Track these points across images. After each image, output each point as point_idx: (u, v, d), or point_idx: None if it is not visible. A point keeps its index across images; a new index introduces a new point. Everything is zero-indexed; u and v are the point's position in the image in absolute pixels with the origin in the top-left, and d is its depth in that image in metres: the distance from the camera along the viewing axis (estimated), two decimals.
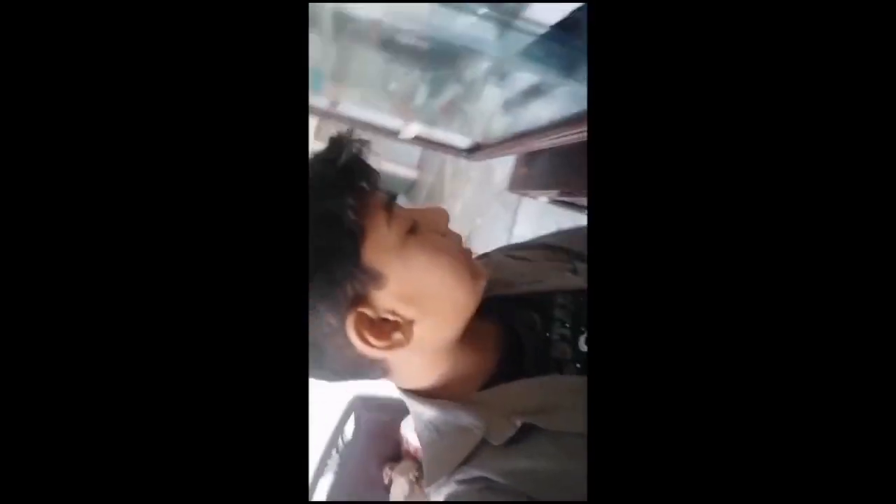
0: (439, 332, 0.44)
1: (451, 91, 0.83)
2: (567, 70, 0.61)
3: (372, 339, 0.41)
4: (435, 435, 0.44)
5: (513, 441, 0.39)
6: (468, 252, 0.45)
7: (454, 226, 0.46)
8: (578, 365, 0.45)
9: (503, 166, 1.81)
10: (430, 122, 1.03)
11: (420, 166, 3.33)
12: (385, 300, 0.41)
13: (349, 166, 0.41)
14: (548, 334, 0.47)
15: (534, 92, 0.72)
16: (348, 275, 0.40)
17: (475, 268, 0.45)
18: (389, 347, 0.42)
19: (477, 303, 0.44)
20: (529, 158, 1.19)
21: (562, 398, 0.41)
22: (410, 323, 0.42)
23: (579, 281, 0.51)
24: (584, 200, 1.10)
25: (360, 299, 0.41)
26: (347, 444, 2.23)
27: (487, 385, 0.45)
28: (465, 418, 0.42)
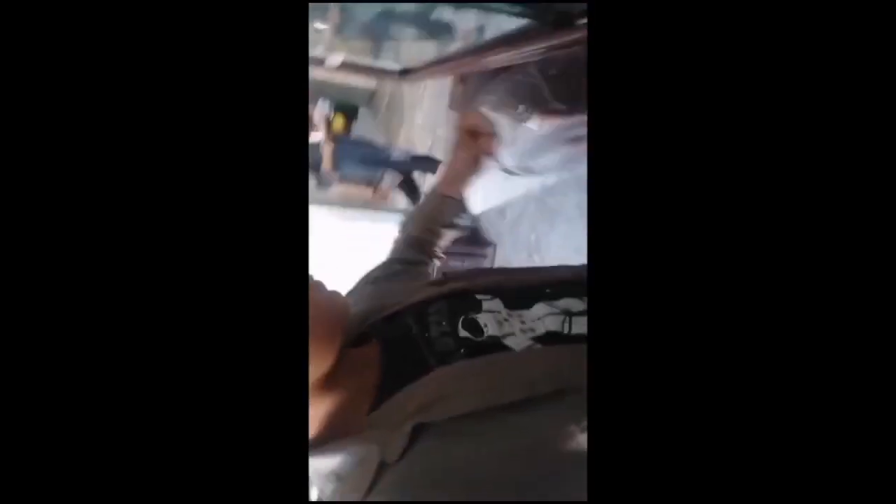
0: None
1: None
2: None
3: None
4: (338, 485, 0.41)
5: (407, 451, 0.38)
6: (325, 321, 0.43)
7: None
8: (463, 350, 0.45)
9: None
10: (358, 51, 1.05)
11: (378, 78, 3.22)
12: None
13: None
14: (427, 335, 0.47)
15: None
16: None
17: (325, 338, 0.43)
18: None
19: (328, 360, 0.44)
20: (465, 77, 1.20)
21: (448, 386, 0.42)
22: None
23: (445, 290, 0.52)
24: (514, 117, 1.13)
25: None
26: None
27: (375, 406, 0.43)
28: (360, 451, 0.40)
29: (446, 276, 0.55)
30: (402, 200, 2.79)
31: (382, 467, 0.40)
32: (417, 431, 0.40)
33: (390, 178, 2.63)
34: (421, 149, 3.08)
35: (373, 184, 2.66)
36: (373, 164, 2.60)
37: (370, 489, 0.39)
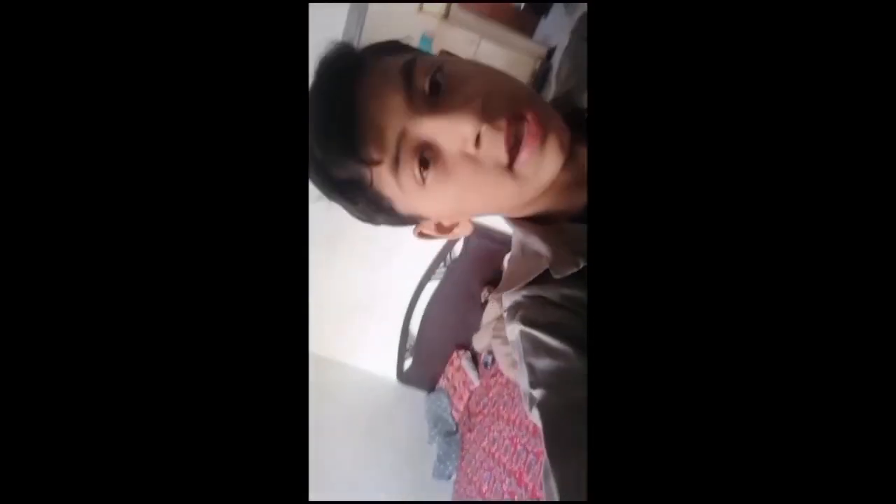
0: (502, 209, 0.46)
1: None
2: None
3: (436, 235, 0.48)
4: (518, 253, 0.48)
5: (573, 277, 0.41)
6: (527, 147, 0.38)
7: None
8: None
9: None
10: None
11: None
12: (434, 221, 0.46)
13: (349, 135, 0.38)
14: None
15: None
16: (394, 218, 0.43)
17: (528, 176, 0.39)
18: (454, 235, 0.48)
19: (541, 190, 0.41)
20: None
21: None
22: (467, 217, 0.47)
23: None
24: None
25: (417, 223, 0.46)
26: (455, 260, 2.56)
27: (578, 217, 0.45)
28: (538, 245, 0.45)
29: None
30: None
31: (545, 278, 0.43)
32: (582, 279, 0.41)
33: None
34: None
35: None
36: None
37: (535, 281, 0.44)
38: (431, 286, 2.59)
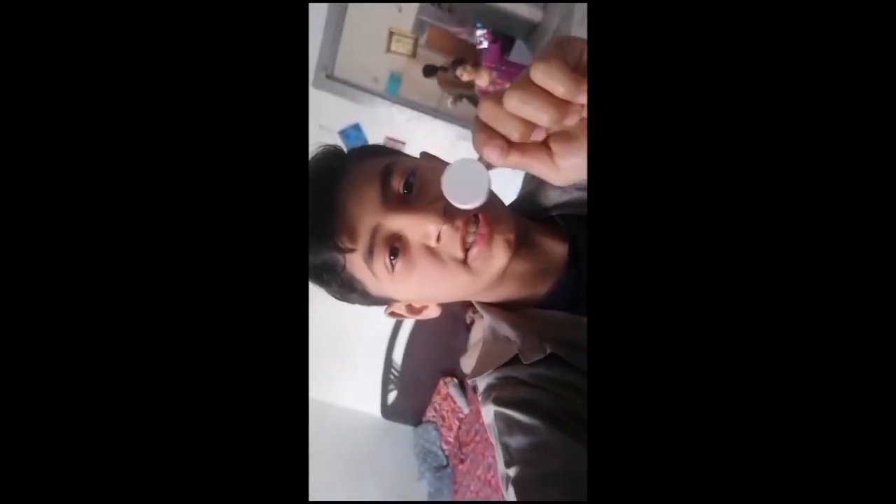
0: (463, 296, 0.50)
1: None
2: None
3: (408, 315, 0.53)
4: (490, 337, 0.50)
5: (540, 361, 0.45)
6: (479, 244, 0.44)
7: None
8: None
9: None
10: None
11: (546, 8, 2.90)
12: (403, 303, 0.51)
13: (326, 225, 0.44)
14: None
15: None
16: (367, 300, 0.49)
17: (478, 269, 0.45)
18: (423, 316, 0.53)
19: (491, 282, 0.46)
20: None
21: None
22: (434, 302, 0.52)
23: None
24: None
25: (388, 304, 0.51)
26: None
27: (545, 304, 0.50)
28: (508, 331, 0.48)
29: None
30: None
31: (515, 361, 0.46)
32: (556, 357, 0.45)
33: None
34: None
35: None
36: None
37: (506, 364, 0.47)
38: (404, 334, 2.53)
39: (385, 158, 0.47)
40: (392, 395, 2.66)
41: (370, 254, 0.44)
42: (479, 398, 0.49)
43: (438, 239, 0.43)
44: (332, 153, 0.49)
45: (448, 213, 0.43)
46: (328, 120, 2.07)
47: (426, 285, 0.46)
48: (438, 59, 3.20)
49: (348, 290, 0.47)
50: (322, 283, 0.47)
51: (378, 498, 2.34)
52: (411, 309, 0.52)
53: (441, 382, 2.60)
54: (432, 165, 0.48)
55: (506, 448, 0.42)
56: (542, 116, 0.29)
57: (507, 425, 0.43)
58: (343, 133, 2.09)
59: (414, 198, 0.44)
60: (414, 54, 3.20)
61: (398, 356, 2.58)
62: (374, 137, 2.13)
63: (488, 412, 0.46)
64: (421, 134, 2.17)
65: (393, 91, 2.94)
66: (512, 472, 0.40)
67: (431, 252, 0.44)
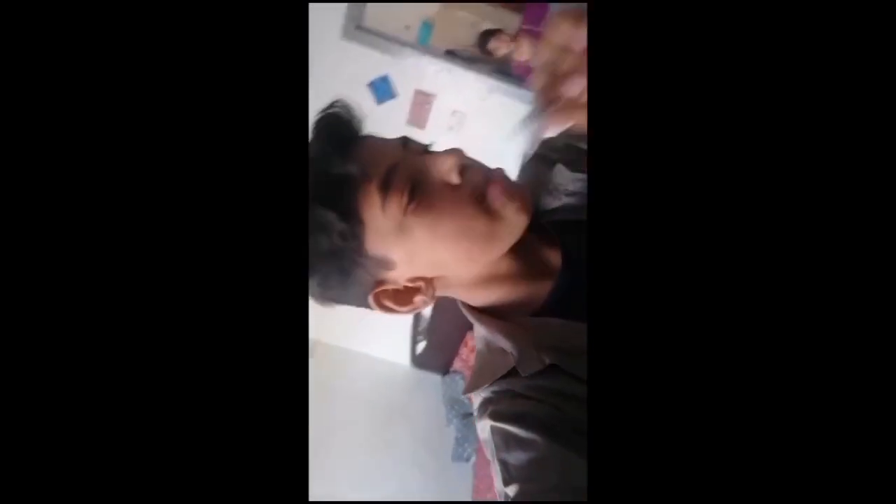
0: (465, 275, 0.47)
1: None
2: None
3: (396, 307, 0.46)
4: (484, 349, 0.49)
5: (537, 373, 0.43)
6: (499, 185, 0.43)
7: None
8: None
9: None
10: None
11: None
12: (401, 274, 0.45)
13: (335, 162, 0.41)
14: None
15: None
16: (358, 267, 0.43)
17: (499, 211, 0.43)
18: (414, 310, 0.47)
19: (505, 244, 0.44)
20: None
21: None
22: (432, 280, 0.46)
23: None
24: None
25: (379, 282, 0.45)
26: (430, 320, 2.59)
27: (540, 312, 0.47)
28: (503, 343, 0.46)
29: None
30: None
31: (511, 373, 0.44)
32: (556, 367, 0.43)
33: None
34: None
35: None
36: None
37: (503, 377, 0.45)
38: (421, 346, 2.59)
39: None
40: (421, 346, 2.74)
41: (386, 188, 0.41)
42: (475, 413, 0.47)
43: (462, 174, 0.43)
44: (350, 108, 0.46)
45: (468, 165, 0.44)
46: (357, 72, 2.04)
47: (437, 235, 0.42)
48: (470, 4, 3.08)
49: (349, 235, 0.41)
50: (327, 206, 0.41)
51: (409, 442, 2.46)
52: (399, 294, 0.46)
53: (468, 334, 2.66)
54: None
55: (504, 465, 0.41)
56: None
57: (505, 441, 0.42)
58: (371, 85, 2.07)
59: (435, 150, 0.45)
60: None
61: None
62: (404, 90, 2.10)
63: (484, 428, 0.44)
64: (451, 86, 2.12)
65: (425, 40, 2.86)
66: (511, 490, 0.39)
67: (451, 188, 0.42)
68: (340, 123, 0.44)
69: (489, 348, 0.48)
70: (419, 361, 2.78)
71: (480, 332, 0.49)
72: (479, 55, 2.30)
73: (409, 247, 0.43)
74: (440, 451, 2.44)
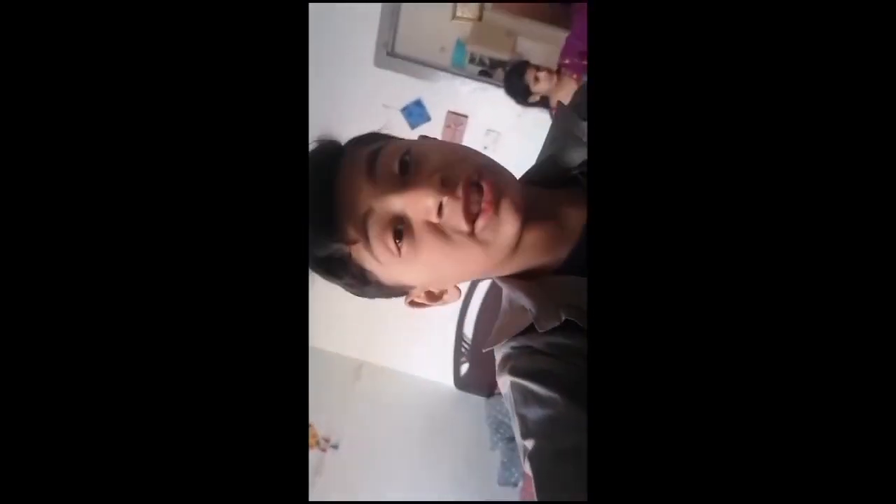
0: (478, 275, 0.48)
1: None
2: None
3: (430, 303, 0.50)
4: (507, 306, 0.50)
5: (557, 329, 0.44)
6: (485, 215, 0.42)
7: None
8: None
9: None
10: None
11: None
12: (420, 290, 0.49)
13: (326, 218, 0.42)
14: None
15: None
16: (383, 291, 0.47)
17: (486, 239, 0.43)
18: (444, 302, 0.51)
19: (503, 253, 0.44)
20: None
21: None
22: (451, 284, 0.50)
23: None
24: None
25: (406, 293, 0.49)
26: None
27: (563, 268, 0.48)
28: (523, 300, 0.47)
29: None
30: None
31: (531, 329, 0.45)
32: (572, 327, 0.43)
33: None
34: None
35: None
36: None
37: (522, 332, 0.45)
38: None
39: (375, 144, 0.45)
40: (464, 368, 2.71)
41: (368, 240, 0.42)
42: (497, 368, 0.48)
43: (440, 213, 0.41)
44: (327, 146, 0.47)
45: (447, 184, 0.41)
46: (390, 98, 2.07)
47: (436, 265, 0.44)
48: (505, 20, 3.06)
49: (362, 282, 0.46)
50: (335, 277, 0.46)
51: (452, 465, 2.43)
52: (430, 296, 0.50)
53: None
54: (428, 143, 0.47)
55: (522, 419, 0.41)
56: None
57: (524, 396, 0.42)
58: (405, 110, 2.09)
59: (410, 176, 0.42)
60: (480, 18, 3.09)
61: (468, 330, 2.62)
62: (437, 112, 2.10)
63: (504, 383, 0.45)
64: (485, 105, 2.11)
65: (459, 60, 2.87)
66: (529, 444, 0.40)
67: (435, 228, 0.42)
68: (315, 180, 0.43)
69: (511, 306, 0.49)
70: (463, 383, 2.75)
71: (505, 291, 0.51)
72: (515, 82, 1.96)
73: (417, 275, 0.46)
74: (486, 476, 2.39)
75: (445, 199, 0.41)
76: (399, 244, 0.42)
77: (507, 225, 0.42)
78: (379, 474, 2.27)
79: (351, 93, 2.03)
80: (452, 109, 2.11)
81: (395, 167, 0.42)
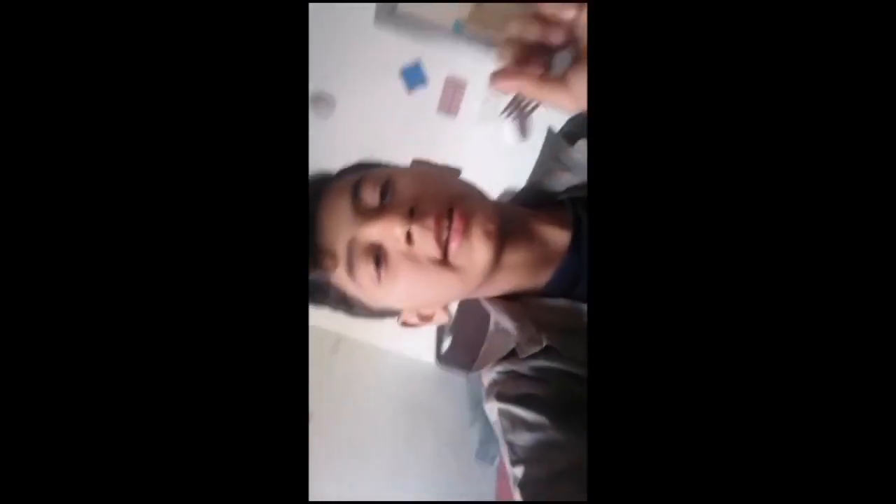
0: (461, 297, 0.50)
1: None
2: None
3: (421, 323, 0.52)
4: (493, 329, 0.51)
5: (540, 354, 0.45)
6: (455, 239, 0.43)
7: None
8: None
9: None
10: None
11: None
12: (410, 311, 0.51)
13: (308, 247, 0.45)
14: None
15: None
16: (372, 314, 0.50)
17: (460, 265, 0.43)
18: (434, 322, 0.53)
19: (479, 277, 0.45)
20: None
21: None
22: (437, 307, 0.51)
23: None
24: None
25: (395, 315, 0.51)
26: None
27: (544, 291, 0.49)
28: (507, 323, 0.48)
29: None
30: None
31: (512, 354, 0.46)
32: (549, 351, 0.44)
33: None
34: None
35: None
36: None
37: (506, 356, 0.46)
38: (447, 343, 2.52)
39: (360, 173, 0.47)
40: (446, 344, 2.68)
41: (350, 268, 0.44)
42: (483, 395, 0.49)
43: (410, 240, 0.42)
44: (314, 177, 0.50)
45: (416, 213, 0.42)
46: (389, 59, 2.03)
47: (415, 291, 0.45)
48: (507, 5, 3.06)
49: (347, 306, 0.48)
50: (319, 302, 0.48)
51: (432, 440, 2.39)
52: (421, 317, 0.52)
53: None
54: (410, 172, 0.49)
55: (511, 446, 0.42)
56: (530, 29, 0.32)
57: (512, 423, 0.43)
58: (403, 72, 2.05)
59: (387, 205, 0.44)
60: None
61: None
62: (435, 76, 2.07)
63: (492, 409, 0.46)
64: (484, 74, 2.09)
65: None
66: (519, 471, 0.40)
67: (408, 256, 0.43)
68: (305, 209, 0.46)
69: (497, 329, 0.50)
70: (444, 359, 2.72)
71: (492, 314, 0.51)
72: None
73: (399, 299, 0.48)
74: (464, 453, 2.36)
75: (414, 227, 0.42)
76: (379, 271, 0.44)
77: (479, 251, 0.43)
78: (357, 451, 2.22)
79: (348, 51, 1.99)
80: (451, 75, 2.08)
81: (377, 196, 0.44)
